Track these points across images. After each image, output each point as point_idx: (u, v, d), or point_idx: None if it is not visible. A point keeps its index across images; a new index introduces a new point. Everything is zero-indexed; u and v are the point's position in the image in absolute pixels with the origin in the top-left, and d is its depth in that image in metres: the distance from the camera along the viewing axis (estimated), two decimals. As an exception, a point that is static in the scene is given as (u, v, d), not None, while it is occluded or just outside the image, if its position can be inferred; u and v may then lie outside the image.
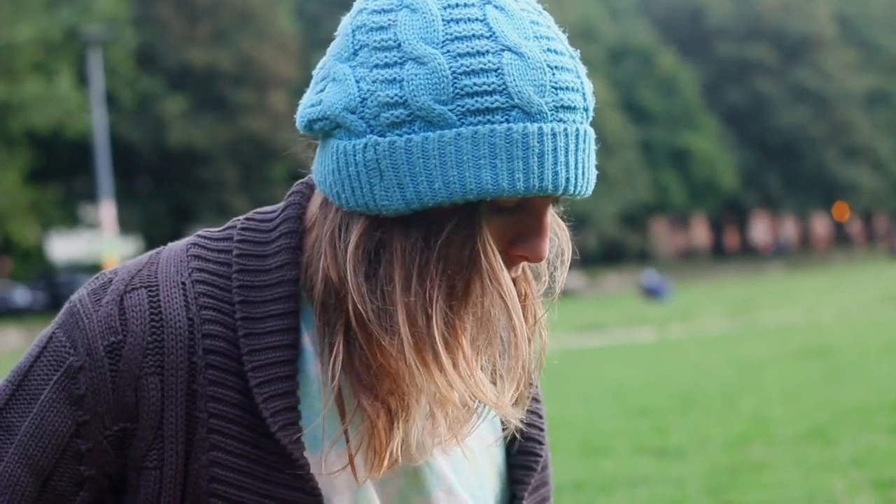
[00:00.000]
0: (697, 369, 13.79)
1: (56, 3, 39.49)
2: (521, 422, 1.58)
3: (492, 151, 1.33)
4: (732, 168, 63.20)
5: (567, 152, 1.37)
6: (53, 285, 44.18)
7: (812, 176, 67.73)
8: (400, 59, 1.36)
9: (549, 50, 1.38)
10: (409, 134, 1.35)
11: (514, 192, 1.34)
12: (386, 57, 1.37)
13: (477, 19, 1.37)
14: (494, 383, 1.45)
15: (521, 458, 1.61)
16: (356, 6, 1.43)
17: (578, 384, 12.94)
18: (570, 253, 1.53)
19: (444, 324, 1.38)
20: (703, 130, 62.58)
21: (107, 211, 34.27)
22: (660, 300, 35.06)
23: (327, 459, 1.44)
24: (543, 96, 1.35)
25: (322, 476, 1.43)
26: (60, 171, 44.54)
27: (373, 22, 1.39)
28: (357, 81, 1.38)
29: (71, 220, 45.47)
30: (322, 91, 1.42)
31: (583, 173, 1.39)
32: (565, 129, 1.37)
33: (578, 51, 1.44)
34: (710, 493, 6.62)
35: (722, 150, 63.22)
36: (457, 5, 1.38)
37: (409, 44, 1.36)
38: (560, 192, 1.37)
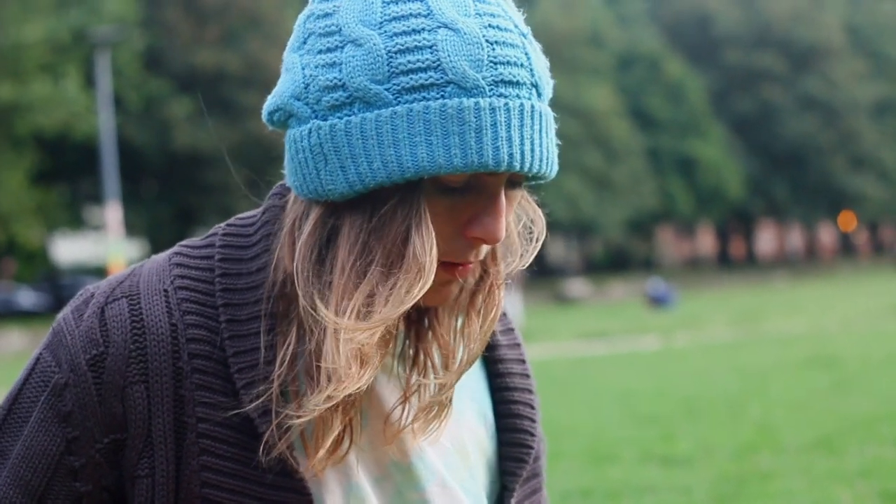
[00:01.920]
0: (703, 377, 13.76)
1: (64, 4, 39.52)
2: (512, 414, 1.60)
3: (427, 128, 1.31)
4: (739, 176, 63.14)
5: (510, 127, 1.33)
6: (58, 287, 44.17)
7: (818, 185, 67.67)
8: (340, 43, 1.35)
9: (490, 26, 1.35)
10: (349, 116, 1.33)
11: (453, 169, 1.31)
12: (328, 42, 1.36)
13: None
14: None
15: (512, 449, 1.60)
16: None
17: (584, 391, 12.92)
18: (542, 232, 1.49)
19: (362, 315, 1.35)
20: (710, 138, 62.52)
21: (112, 213, 34.29)
22: (666, 308, 35.02)
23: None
24: (480, 71, 1.32)
25: (311, 476, 1.41)
26: (66, 173, 44.55)
27: (319, 9, 1.39)
28: (303, 69, 1.38)
29: (76, 222, 45.48)
30: (278, 84, 1.43)
31: (531, 149, 1.35)
32: (506, 104, 1.33)
33: (529, 28, 1.41)
34: (716, 501, 6.59)
35: (729, 159, 63.16)
36: None
37: (349, 27, 1.35)
38: (503, 168, 1.33)
